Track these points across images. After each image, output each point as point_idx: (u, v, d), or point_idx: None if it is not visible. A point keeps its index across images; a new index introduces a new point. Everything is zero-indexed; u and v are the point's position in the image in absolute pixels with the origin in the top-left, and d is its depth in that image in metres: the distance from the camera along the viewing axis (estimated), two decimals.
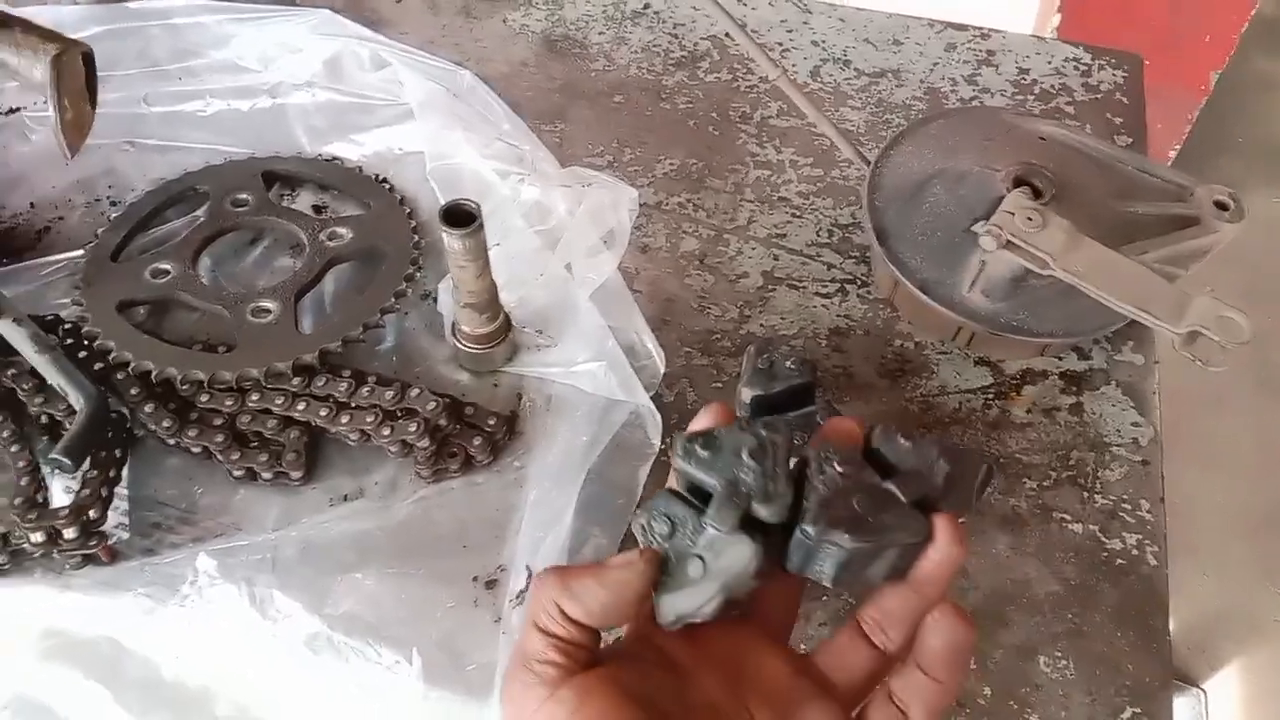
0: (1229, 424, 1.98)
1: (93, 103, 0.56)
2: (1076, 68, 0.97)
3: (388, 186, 0.83)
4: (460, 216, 0.65)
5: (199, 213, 0.82)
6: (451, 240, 0.66)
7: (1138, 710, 0.64)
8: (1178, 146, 1.99)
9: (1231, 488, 1.91)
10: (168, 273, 0.77)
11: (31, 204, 0.84)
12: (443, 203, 0.66)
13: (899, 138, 0.82)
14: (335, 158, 0.86)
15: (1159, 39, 1.75)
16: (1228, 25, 1.74)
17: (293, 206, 0.84)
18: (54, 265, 0.79)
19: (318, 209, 0.84)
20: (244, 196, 0.82)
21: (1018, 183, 0.75)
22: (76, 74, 0.53)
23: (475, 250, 0.67)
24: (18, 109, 0.88)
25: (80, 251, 0.79)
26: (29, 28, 0.50)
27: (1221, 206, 0.76)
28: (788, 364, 0.72)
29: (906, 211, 0.77)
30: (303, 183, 0.85)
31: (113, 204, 0.84)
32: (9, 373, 0.72)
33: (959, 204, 0.76)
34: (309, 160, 0.86)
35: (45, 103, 0.53)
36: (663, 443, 0.70)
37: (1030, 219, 0.68)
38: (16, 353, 0.72)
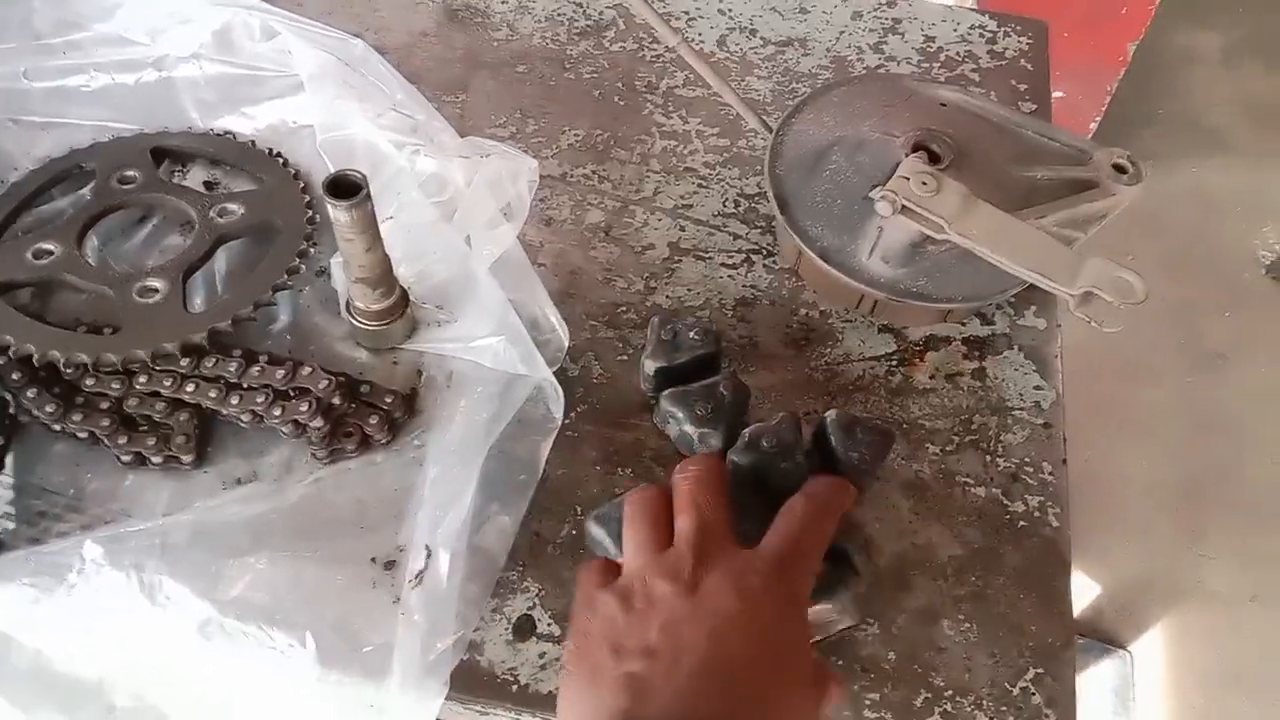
0: (1154, 394, 2.02)
1: None
2: (982, 35, 0.98)
3: (281, 160, 0.81)
4: (346, 187, 0.63)
5: (84, 191, 0.79)
6: (337, 212, 0.64)
7: (1040, 670, 0.65)
8: (1098, 119, 2.02)
9: (1156, 455, 1.95)
10: (51, 253, 0.74)
11: None
12: (325, 178, 0.64)
13: (801, 106, 0.81)
14: (227, 132, 0.83)
15: (1078, 11, 1.77)
16: None
17: (183, 183, 0.81)
18: None
19: (209, 185, 0.82)
20: (132, 174, 0.79)
21: (916, 148, 0.75)
22: None
23: (363, 223, 0.65)
24: None
25: None
26: None
27: (1120, 169, 0.77)
28: (691, 334, 0.72)
29: (808, 180, 0.77)
30: (193, 158, 0.83)
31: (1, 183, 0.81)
32: None
33: (858, 171, 0.75)
34: (199, 135, 0.83)
35: None
36: (565, 417, 0.69)
37: (925, 184, 0.68)
38: None
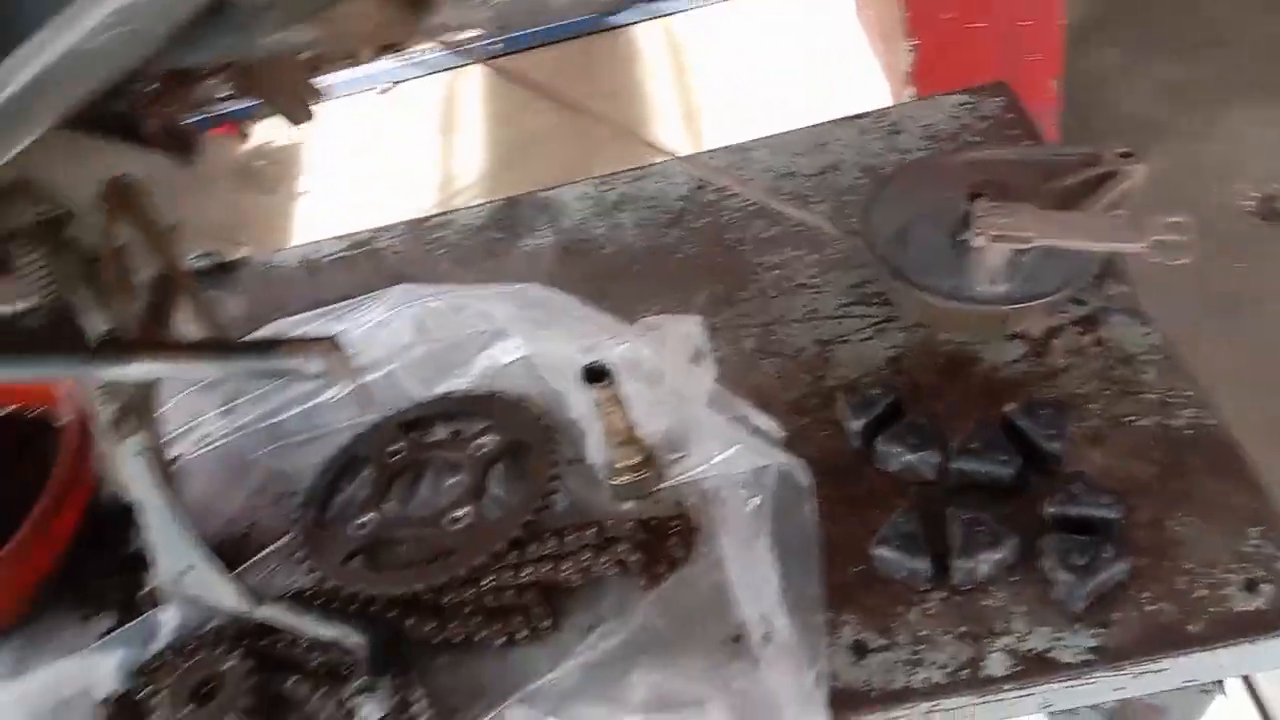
0: None
1: None
2: (964, 108, 1.21)
3: (501, 395, 1.01)
4: (597, 374, 0.83)
5: (365, 474, 0.98)
6: (597, 394, 0.83)
7: (1260, 527, 0.80)
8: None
9: None
10: (366, 524, 0.92)
11: (220, 528, 0.99)
12: (578, 369, 0.84)
13: (868, 206, 1.02)
14: (448, 393, 1.03)
15: (1001, 74, 2.06)
16: (1047, 39, 2.05)
17: (434, 439, 1.00)
18: (266, 557, 0.94)
19: (455, 434, 1.01)
20: (396, 448, 0.98)
21: (973, 197, 0.96)
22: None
23: (617, 396, 0.84)
24: (177, 457, 1.04)
25: (287, 537, 0.94)
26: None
27: (1125, 155, 0.97)
28: (873, 391, 0.90)
29: (904, 252, 0.97)
30: (432, 421, 1.02)
31: (291, 495, 0.99)
32: (278, 646, 0.86)
33: (940, 229, 0.96)
34: (428, 403, 1.03)
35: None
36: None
37: (1001, 214, 0.88)
38: (278, 631, 0.86)
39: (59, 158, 0.69)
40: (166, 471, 0.85)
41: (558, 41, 3.41)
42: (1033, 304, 0.93)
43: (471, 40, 3.32)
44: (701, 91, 3.19)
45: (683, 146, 1.10)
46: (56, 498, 0.94)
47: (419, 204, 1.36)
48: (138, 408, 0.81)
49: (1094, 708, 0.97)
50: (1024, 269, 0.92)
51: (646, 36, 3.46)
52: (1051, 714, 1.07)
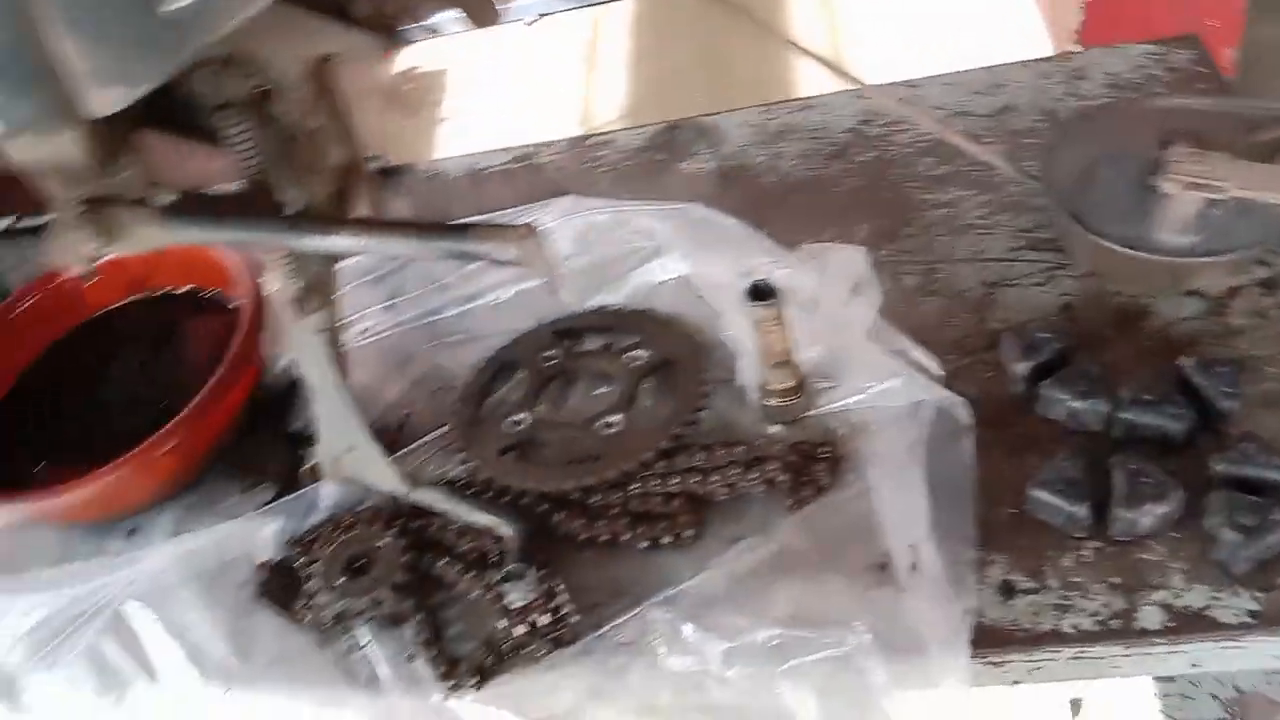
0: None
1: None
2: (1152, 58, 1.16)
3: (653, 313, 1.02)
4: (762, 292, 0.83)
5: (518, 376, 1.01)
6: (762, 311, 0.83)
7: None
8: None
9: None
10: (520, 422, 0.95)
11: (379, 415, 1.03)
12: (743, 287, 0.84)
13: (1050, 148, 0.99)
14: (602, 306, 1.05)
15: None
16: (1228, 4, 1.94)
17: (586, 350, 1.02)
18: (421, 446, 0.98)
19: (607, 346, 1.02)
20: (550, 354, 1.01)
21: (1165, 145, 0.92)
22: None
23: (779, 315, 0.84)
24: (343, 344, 1.08)
25: (443, 429, 0.97)
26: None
27: None
28: (1042, 335, 0.88)
29: (1084, 197, 0.94)
30: (584, 332, 1.04)
31: (448, 390, 1.03)
32: (431, 529, 0.90)
33: (1126, 175, 0.92)
34: (583, 314, 1.05)
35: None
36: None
37: (1196, 160, 0.84)
38: (432, 515, 0.89)
39: (269, 33, 0.72)
40: (338, 353, 0.89)
41: None
42: (1217, 259, 0.89)
43: None
44: (849, 40, 3.12)
45: (830, 86, 1.08)
46: (229, 373, 0.99)
47: (563, 133, 1.38)
48: (320, 288, 0.84)
49: (1214, 697, 0.94)
50: (1212, 222, 0.88)
51: None
52: (1167, 698, 1.05)
